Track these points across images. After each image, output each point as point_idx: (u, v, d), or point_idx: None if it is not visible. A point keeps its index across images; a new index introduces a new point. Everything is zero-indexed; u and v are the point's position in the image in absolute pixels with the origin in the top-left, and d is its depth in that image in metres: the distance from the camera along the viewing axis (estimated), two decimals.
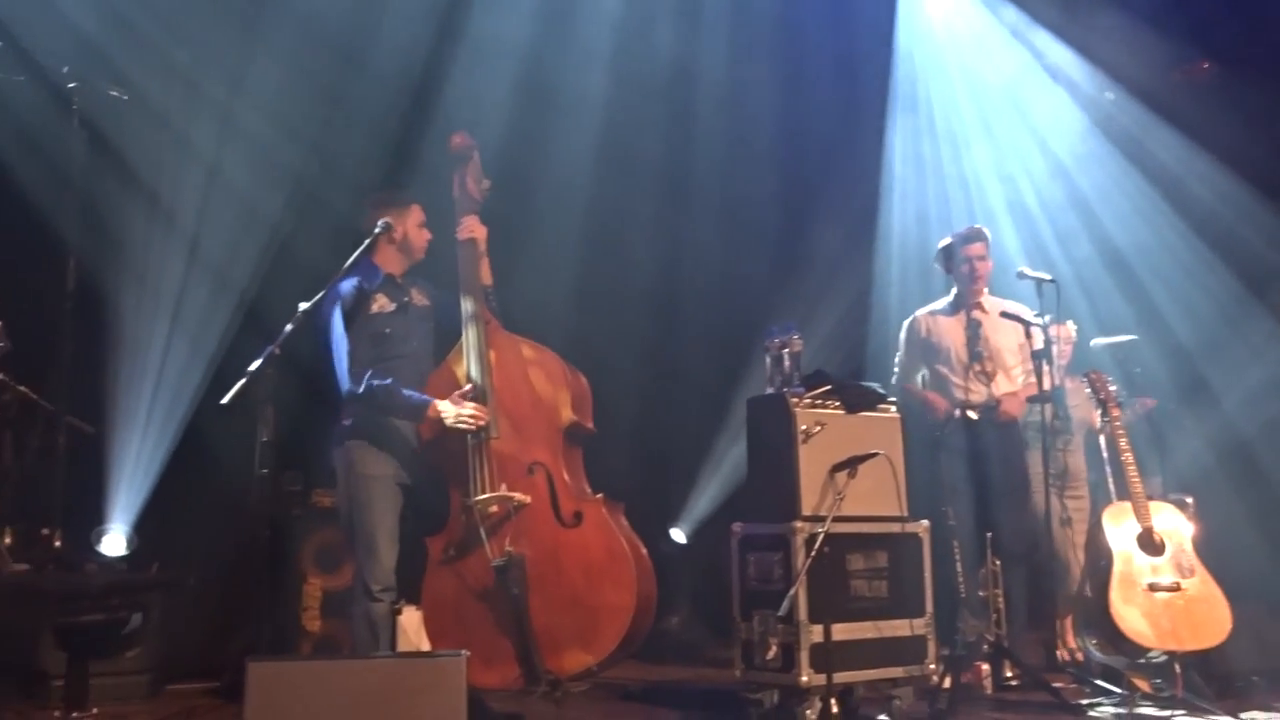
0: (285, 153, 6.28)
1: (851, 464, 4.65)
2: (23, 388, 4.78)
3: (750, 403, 4.94)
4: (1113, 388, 5.38)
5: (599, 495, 4.78)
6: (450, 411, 4.71)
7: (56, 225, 4.97)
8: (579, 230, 6.94)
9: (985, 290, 5.82)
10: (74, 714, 4.22)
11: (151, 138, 5.93)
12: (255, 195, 6.20)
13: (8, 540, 4.48)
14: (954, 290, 5.87)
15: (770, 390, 4.88)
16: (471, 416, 4.72)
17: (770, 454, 4.77)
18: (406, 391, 4.71)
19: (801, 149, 7.31)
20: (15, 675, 5.32)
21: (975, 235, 5.79)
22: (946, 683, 4.88)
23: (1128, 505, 5.14)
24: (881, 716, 4.74)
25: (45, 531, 4.68)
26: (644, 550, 4.78)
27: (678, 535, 7.07)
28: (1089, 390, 5.39)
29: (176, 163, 6.01)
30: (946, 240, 5.90)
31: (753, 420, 4.90)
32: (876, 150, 7.34)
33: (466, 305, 4.91)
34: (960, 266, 5.78)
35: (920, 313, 5.94)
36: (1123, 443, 5.15)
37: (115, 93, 4.93)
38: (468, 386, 4.78)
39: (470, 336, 4.86)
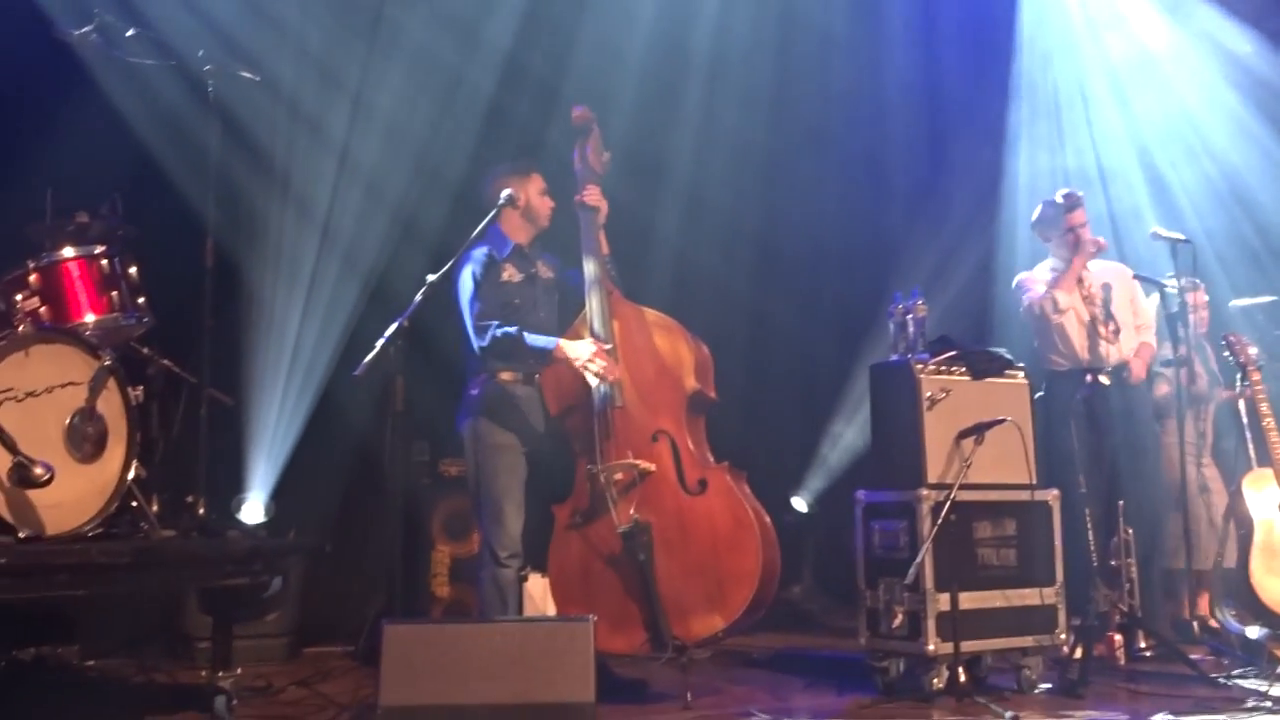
0: (410, 132, 6.40)
1: (978, 430, 4.62)
2: (167, 361, 4.94)
3: (874, 369, 4.92)
4: (1253, 351, 5.20)
5: (724, 463, 4.77)
6: (583, 350, 4.74)
7: (195, 206, 5.11)
8: (693, 195, 6.95)
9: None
10: (220, 674, 4.36)
11: (283, 120, 6.09)
12: (380, 174, 6.33)
13: (155, 507, 4.62)
14: (1058, 255, 5.68)
15: (894, 357, 4.86)
16: (604, 366, 4.74)
17: (894, 421, 4.78)
18: (532, 335, 4.78)
19: (927, 111, 7.19)
20: (164, 637, 5.56)
21: (1076, 202, 5.59)
22: (1078, 653, 4.79)
23: (1269, 472, 4.98)
24: (1010, 686, 4.67)
25: (190, 499, 4.82)
26: (768, 518, 4.76)
27: (799, 504, 7.06)
28: (1227, 354, 5.21)
29: (307, 144, 6.16)
30: (1040, 208, 5.73)
31: (876, 387, 4.89)
32: (1001, 111, 7.18)
33: (589, 271, 4.94)
34: (1065, 235, 5.58)
35: (1030, 275, 5.78)
36: (1264, 407, 4.98)
37: (247, 74, 5.04)
38: (605, 346, 4.81)
39: (594, 302, 4.89)
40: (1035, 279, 5.73)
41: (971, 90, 7.14)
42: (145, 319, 4.70)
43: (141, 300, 4.69)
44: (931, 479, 4.62)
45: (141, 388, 4.53)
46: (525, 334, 4.77)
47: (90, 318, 4.52)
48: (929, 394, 4.66)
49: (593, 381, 4.75)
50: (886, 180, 7.26)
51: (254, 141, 5.88)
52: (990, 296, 6.77)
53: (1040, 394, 5.23)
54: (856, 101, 7.11)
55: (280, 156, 6.12)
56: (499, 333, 4.76)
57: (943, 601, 4.49)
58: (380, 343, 4.38)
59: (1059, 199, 5.64)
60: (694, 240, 6.94)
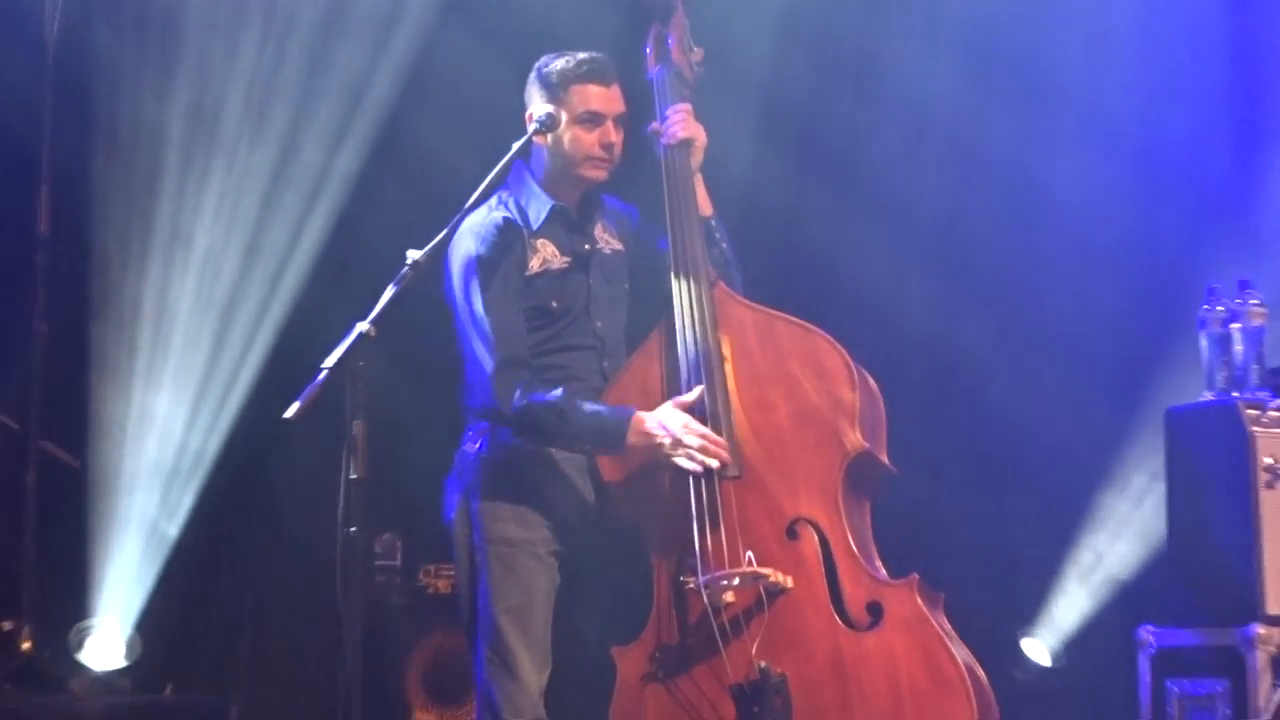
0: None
1: None
2: None
3: (1172, 416, 4.93)
4: None
5: (911, 577, 4.74)
6: (673, 424, 4.72)
7: (19, 133, 5.22)
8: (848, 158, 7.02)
9: None
10: None
11: None
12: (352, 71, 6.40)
13: None
14: None
15: (1209, 395, 4.85)
16: (702, 443, 4.72)
17: (1209, 505, 4.81)
18: (589, 406, 4.74)
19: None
20: None
21: None
22: None
23: None
24: None
25: (6, 626, 4.89)
26: (982, 673, 4.73)
27: (1036, 650, 7.01)
28: None
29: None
30: None
31: (1177, 447, 4.94)
32: None
33: (676, 250, 4.93)
34: None
35: None
36: None
37: None
38: (694, 393, 4.79)
39: (683, 304, 4.87)
40: None
41: None
42: None
43: None
44: (1273, 608, 4.67)
45: None
46: (579, 405, 4.72)
47: None
48: (1271, 460, 4.69)
49: (687, 466, 4.73)
50: (1178, 109, 7.23)
51: (123, 19, 5.99)
52: None
53: None
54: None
55: (167, 43, 6.18)
56: (536, 402, 4.69)
57: None
58: (329, 365, 4.38)
59: None
60: (841, 220, 7.00)
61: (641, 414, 4.73)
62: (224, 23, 6.20)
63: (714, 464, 4.73)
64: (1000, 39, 6.97)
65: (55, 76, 5.23)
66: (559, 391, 4.73)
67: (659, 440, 4.70)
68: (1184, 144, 7.13)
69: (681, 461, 4.71)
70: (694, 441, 4.69)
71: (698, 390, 4.79)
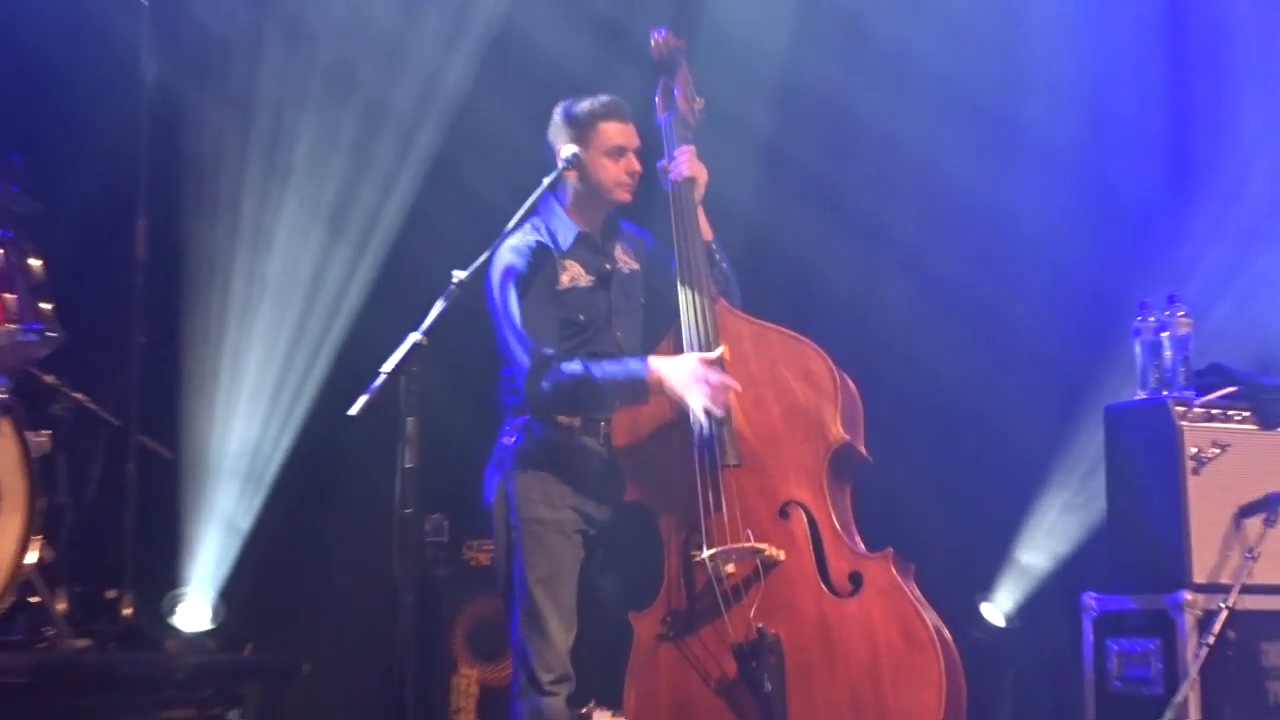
0: (421, 55, 6.49)
1: (1270, 507, 4.61)
2: (80, 395, 5.02)
3: (1110, 413, 4.93)
4: None
5: (885, 551, 4.73)
6: (688, 369, 4.71)
7: (123, 173, 5.23)
8: (826, 186, 7.00)
9: None
10: None
11: (249, 45, 6.18)
12: (395, 117, 6.40)
13: (62, 605, 4.69)
14: None
15: (1142, 394, 4.85)
16: (718, 384, 4.70)
17: (1142, 490, 4.78)
18: (607, 362, 4.74)
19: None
20: None
21: None
22: None
23: None
24: None
25: (111, 594, 4.89)
26: (947, 632, 4.72)
27: (992, 612, 6.98)
28: None
29: (283, 78, 6.25)
30: None
31: (1115, 439, 4.93)
32: None
33: (683, 269, 4.93)
34: None
35: None
36: None
37: None
38: (717, 351, 4.77)
39: (690, 315, 4.87)
40: None
41: None
42: (52, 333, 4.78)
43: (47, 307, 4.77)
44: (1199, 577, 4.64)
45: (47, 433, 4.59)
46: (594, 367, 4.73)
47: None
48: (1196, 450, 4.65)
49: (698, 416, 4.71)
50: (1118, 142, 7.21)
51: (209, 79, 6.01)
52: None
53: None
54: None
55: (248, 100, 6.19)
56: (564, 377, 4.70)
57: None
58: (388, 369, 4.38)
59: None
60: (823, 242, 6.96)
61: (653, 360, 4.73)
62: (294, 78, 6.21)
63: (719, 412, 4.73)
64: (964, 86, 6.96)
65: (151, 123, 5.23)
66: (577, 362, 4.73)
67: (673, 380, 4.69)
68: (1123, 179, 7.11)
69: (693, 399, 4.68)
70: (705, 384, 4.68)
71: (720, 349, 4.79)
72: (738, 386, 4.74)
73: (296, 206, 6.22)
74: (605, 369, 4.73)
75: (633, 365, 4.76)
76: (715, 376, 4.69)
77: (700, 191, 5.03)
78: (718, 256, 5.03)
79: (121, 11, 5.34)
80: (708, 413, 4.67)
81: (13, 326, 4.67)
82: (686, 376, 4.68)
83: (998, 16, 6.99)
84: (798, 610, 4.66)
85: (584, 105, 4.99)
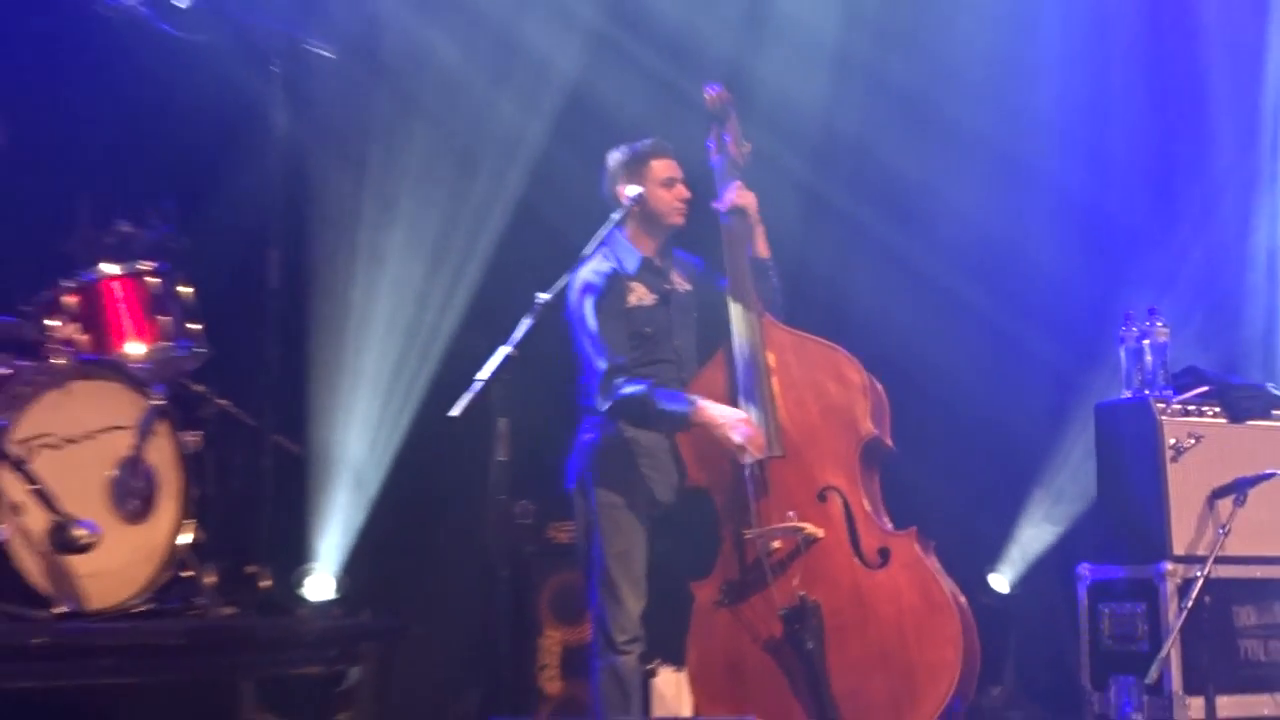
0: (524, 124, 6.53)
1: (1239, 488, 4.60)
2: (224, 400, 5.07)
3: (1100, 410, 4.91)
4: None
5: (910, 529, 4.74)
6: (729, 416, 4.75)
7: (257, 212, 5.27)
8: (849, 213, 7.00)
9: None
10: None
11: (366, 104, 6.24)
12: (488, 165, 6.45)
13: (211, 579, 4.75)
14: None
15: (1127, 393, 4.82)
16: (750, 437, 4.74)
17: (1128, 475, 4.80)
18: (665, 395, 4.79)
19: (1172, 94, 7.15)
20: None
21: None
22: None
23: None
24: None
25: (251, 569, 4.94)
26: (963, 598, 4.72)
27: (998, 582, 6.94)
28: None
29: (395, 132, 6.30)
30: None
31: (1104, 433, 4.89)
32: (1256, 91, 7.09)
33: (734, 291, 4.96)
34: None
35: None
36: None
37: (321, 51, 5.20)
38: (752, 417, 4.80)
39: (738, 330, 4.90)
40: None
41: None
42: (200, 349, 4.84)
43: (196, 327, 4.82)
44: (1178, 550, 4.64)
45: (198, 434, 4.64)
46: (657, 394, 4.77)
47: (137, 348, 4.65)
48: (1174, 441, 4.64)
49: (734, 440, 4.75)
50: (1107, 168, 7.17)
51: (330, 133, 6.05)
52: (1240, 317, 6.66)
53: None
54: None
55: (362, 150, 6.25)
56: (625, 393, 4.76)
57: (1195, 708, 4.47)
58: (483, 377, 4.43)
59: None
60: (852, 266, 6.97)
61: (702, 402, 4.77)
62: (400, 131, 6.27)
63: (755, 454, 4.77)
64: (972, 128, 6.93)
65: (281, 170, 5.27)
66: (643, 386, 4.77)
67: (717, 423, 4.73)
68: (1111, 205, 7.07)
69: (734, 436, 4.74)
70: (742, 431, 4.72)
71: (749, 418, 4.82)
72: (761, 440, 4.78)
73: (404, 240, 6.26)
74: (660, 399, 4.78)
75: (683, 403, 4.80)
76: (749, 430, 4.74)
77: (754, 214, 5.07)
78: (771, 273, 5.07)
79: (256, 77, 5.36)
80: (743, 450, 4.72)
81: (168, 344, 4.73)
82: (730, 418, 4.74)
83: (1002, 66, 6.96)
84: (834, 580, 4.68)
85: (635, 148, 5.07)
